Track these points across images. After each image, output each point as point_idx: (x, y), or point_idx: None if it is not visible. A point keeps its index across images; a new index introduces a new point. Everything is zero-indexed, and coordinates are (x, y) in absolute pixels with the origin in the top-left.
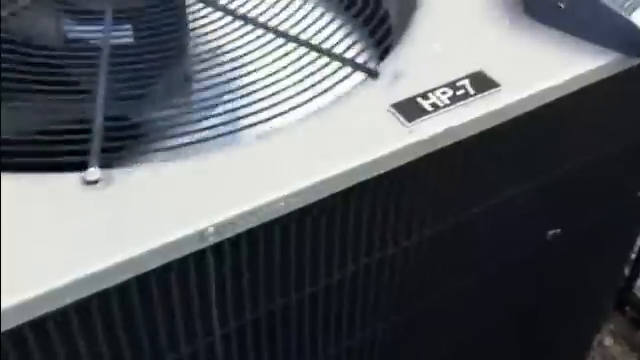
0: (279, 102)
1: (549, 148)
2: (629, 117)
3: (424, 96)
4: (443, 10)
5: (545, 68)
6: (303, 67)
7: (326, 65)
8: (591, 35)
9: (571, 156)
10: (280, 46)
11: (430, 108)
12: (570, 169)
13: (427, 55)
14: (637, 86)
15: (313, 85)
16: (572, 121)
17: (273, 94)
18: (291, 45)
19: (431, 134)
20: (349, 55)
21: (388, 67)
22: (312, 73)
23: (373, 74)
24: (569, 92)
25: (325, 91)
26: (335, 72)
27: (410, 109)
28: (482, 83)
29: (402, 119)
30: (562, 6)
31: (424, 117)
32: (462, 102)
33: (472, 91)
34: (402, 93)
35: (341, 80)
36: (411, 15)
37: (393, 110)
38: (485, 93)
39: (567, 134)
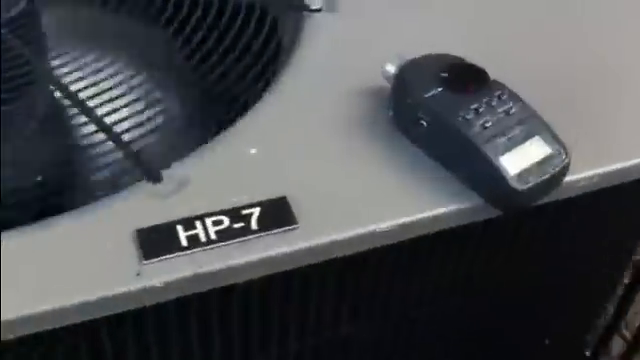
0: None
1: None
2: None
3: (188, 223)
4: (291, 108)
5: (378, 207)
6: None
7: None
8: (455, 168)
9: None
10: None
11: (185, 243)
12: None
13: (234, 163)
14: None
15: None
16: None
17: None
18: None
19: (163, 281)
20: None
21: (177, 172)
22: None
23: (154, 177)
24: (392, 241)
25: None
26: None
27: (159, 240)
28: (276, 216)
29: (138, 253)
30: (424, 124)
31: (165, 256)
32: (232, 241)
33: (255, 226)
34: (163, 214)
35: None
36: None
37: (135, 237)
38: (272, 231)
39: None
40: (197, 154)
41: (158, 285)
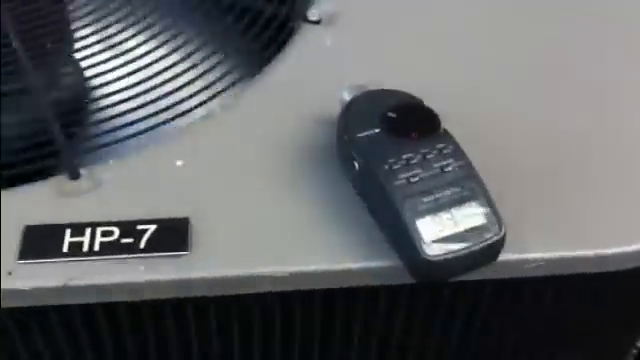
0: None
1: None
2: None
3: (78, 229)
4: (238, 123)
5: (283, 250)
6: None
7: None
8: (379, 222)
9: None
10: None
11: (66, 250)
12: None
13: (155, 172)
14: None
15: None
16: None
17: None
18: None
19: (29, 286)
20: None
21: (99, 172)
22: None
23: (72, 173)
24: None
25: None
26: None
27: (43, 241)
28: (169, 238)
29: (17, 251)
30: (356, 165)
31: (40, 260)
32: (113, 257)
33: (143, 245)
34: (63, 213)
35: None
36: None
37: (22, 234)
38: (158, 254)
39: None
40: (125, 157)
41: (23, 289)
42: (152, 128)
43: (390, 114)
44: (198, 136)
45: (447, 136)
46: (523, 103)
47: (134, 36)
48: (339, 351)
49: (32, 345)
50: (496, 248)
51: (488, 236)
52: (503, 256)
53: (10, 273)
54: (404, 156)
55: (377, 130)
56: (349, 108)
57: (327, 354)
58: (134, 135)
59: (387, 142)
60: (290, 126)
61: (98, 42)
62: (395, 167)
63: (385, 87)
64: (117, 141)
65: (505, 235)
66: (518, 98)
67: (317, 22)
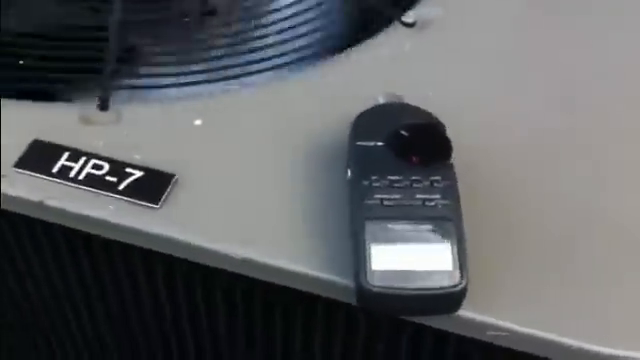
0: None
1: None
2: None
3: (75, 155)
4: (274, 103)
5: (246, 235)
6: None
7: None
8: (350, 233)
9: None
10: None
11: (55, 170)
12: None
13: (173, 125)
14: None
15: None
16: None
17: None
18: None
19: (15, 194)
20: None
21: (124, 108)
22: None
23: (103, 105)
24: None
25: None
26: None
27: (42, 156)
28: (148, 188)
29: (17, 159)
30: (349, 173)
31: (31, 173)
32: (92, 190)
33: (121, 187)
34: (75, 137)
35: None
36: None
37: (29, 145)
38: (130, 199)
39: None
40: (156, 103)
41: (8, 194)
42: (193, 83)
43: (402, 132)
44: (232, 103)
45: (448, 171)
46: (561, 171)
47: None
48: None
49: (25, 252)
50: (452, 299)
51: (445, 284)
52: (463, 312)
53: (5, 176)
54: (390, 177)
55: (380, 144)
56: (364, 115)
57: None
58: (168, 86)
59: (382, 158)
60: (322, 121)
61: None
62: (375, 185)
63: (427, 103)
64: (153, 87)
65: (465, 288)
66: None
67: (411, 25)
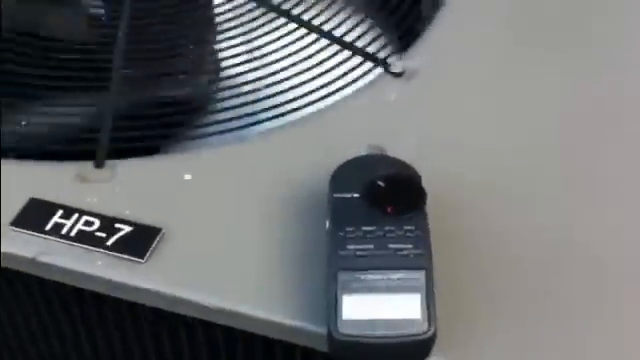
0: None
1: None
2: None
3: (68, 212)
4: (260, 157)
5: (227, 287)
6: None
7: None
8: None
9: None
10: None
11: (48, 228)
12: None
13: (163, 180)
14: None
15: None
16: None
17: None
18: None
19: (8, 251)
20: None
21: (122, 166)
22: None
23: (98, 162)
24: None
25: None
26: None
27: (38, 214)
28: (135, 243)
29: (14, 218)
30: (326, 226)
31: (25, 231)
32: (82, 246)
33: (110, 242)
34: (73, 195)
35: None
36: None
37: (26, 203)
38: (118, 255)
39: None
40: (145, 160)
41: (4, 251)
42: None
43: (379, 182)
44: (219, 158)
45: (421, 219)
46: (542, 215)
47: None
48: None
49: (23, 307)
50: (420, 347)
51: (412, 332)
52: None
53: (2, 234)
54: (364, 228)
55: (356, 195)
56: (342, 167)
57: None
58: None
59: (357, 209)
60: (306, 172)
61: None
62: (349, 236)
63: (410, 154)
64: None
65: (434, 337)
66: (540, 209)
67: (399, 75)
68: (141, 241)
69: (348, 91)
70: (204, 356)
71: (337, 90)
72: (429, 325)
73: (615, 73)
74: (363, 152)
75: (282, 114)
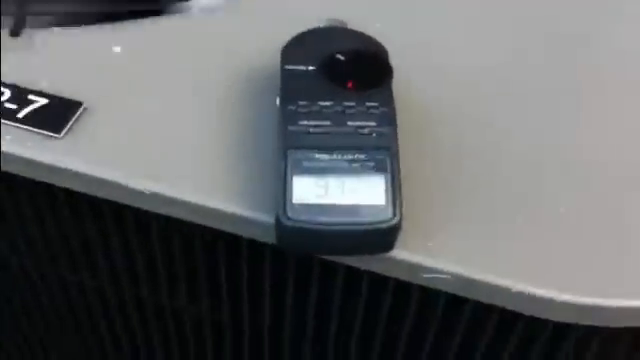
0: None
1: None
2: None
3: None
4: (195, 31)
5: (150, 170)
6: None
7: None
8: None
9: None
10: None
11: None
12: None
13: (88, 50)
14: None
15: None
16: None
17: None
18: None
19: None
20: None
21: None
22: None
23: (14, 31)
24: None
25: None
26: None
27: None
28: (50, 117)
29: None
30: (277, 101)
31: None
32: None
33: (21, 115)
34: None
35: None
36: None
37: None
38: (31, 128)
39: None
40: (69, 29)
41: None
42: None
43: (338, 56)
44: (154, 30)
45: (386, 96)
46: (514, 113)
47: None
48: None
49: None
50: (384, 236)
51: (375, 219)
52: (397, 253)
53: None
54: (320, 102)
55: (312, 68)
56: (299, 38)
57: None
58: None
59: (312, 83)
60: (254, 46)
61: None
62: (302, 111)
63: (374, 31)
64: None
65: (398, 225)
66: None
67: None
68: (57, 115)
69: None
70: (137, 251)
71: None
72: (394, 211)
73: None
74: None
75: None
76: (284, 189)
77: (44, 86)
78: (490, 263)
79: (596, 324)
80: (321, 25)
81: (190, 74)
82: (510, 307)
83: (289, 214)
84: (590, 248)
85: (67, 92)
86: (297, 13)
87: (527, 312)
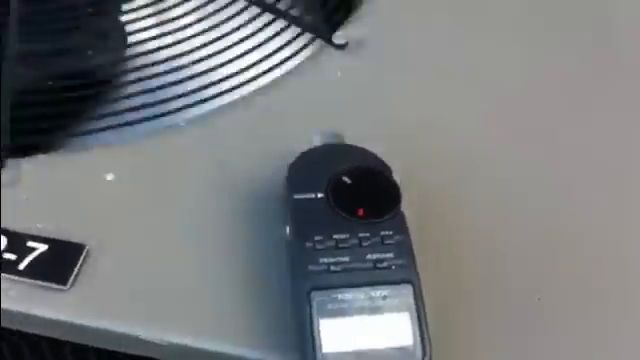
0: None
1: None
2: None
3: None
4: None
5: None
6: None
7: None
8: (292, 308)
9: None
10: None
11: None
12: None
13: (80, 182)
14: None
15: None
16: None
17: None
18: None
19: None
20: None
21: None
22: None
23: None
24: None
25: None
26: None
27: None
28: (54, 265)
29: None
30: (287, 232)
31: None
32: None
33: (23, 266)
34: None
35: None
36: None
37: None
38: (34, 281)
39: None
40: (56, 156)
41: None
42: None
43: (344, 178)
44: (145, 154)
45: (399, 222)
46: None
47: None
48: None
49: None
50: None
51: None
52: None
53: None
54: (336, 236)
55: (320, 195)
56: (299, 161)
57: None
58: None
59: (324, 213)
60: (249, 165)
61: None
62: (319, 247)
63: (368, 142)
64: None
65: None
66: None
67: (342, 46)
68: (61, 262)
69: (289, 66)
70: None
71: (276, 66)
72: (423, 351)
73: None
74: (317, 140)
75: (212, 96)
76: (311, 335)
77: (40, 228)
78: None
79: None
80: (316, 139)
81: (186, 201)
82: None
83: None
84: None
85: (65, 234)
86: (286, 126)
87: None
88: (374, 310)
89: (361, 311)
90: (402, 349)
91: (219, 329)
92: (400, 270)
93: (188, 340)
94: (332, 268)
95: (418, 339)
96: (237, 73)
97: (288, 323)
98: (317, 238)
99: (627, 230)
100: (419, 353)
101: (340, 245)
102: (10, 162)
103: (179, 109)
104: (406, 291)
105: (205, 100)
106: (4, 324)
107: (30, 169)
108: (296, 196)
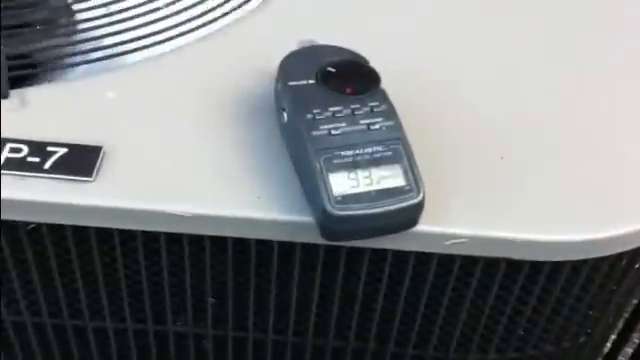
0: None
1: None
2: None
3: None
4: (180, 62)
5: (188, 191)
6: None
7: None
8: (298, 174)
9: None
10: None
11: None
12: None
13: (83, 99)
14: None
15: None
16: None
17: None
18: None
19: None
20: None
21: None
22: None
23: (2, 93)
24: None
25: None
26: None
27: None
28: (76, 163)
29: None
30: (285, 116)
31: None
32: (16, 173)
33: (47, 166)
34: None
35: None
36: None
37: None
38: (61, 176)
39: None
40: (62, 82)
41: None
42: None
43: (329, 68)
44: (140, 72)
45: (382, 95)
46: (479, 80)
47: None
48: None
49: None
50: (412, 214)
51: (404, 199)
52: (422, 227)
53: None
54: (331, 108)
55: (311, 81)
56: (289, 58)
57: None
58: (75, 64)
59: (318, 93)
60: (237, 75)
61: None
62: (319, 117)
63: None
64: (56, 68)
65: (423, 201)
66: (473, 75)
67: None
68: (83, 160)
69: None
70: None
71: None
72: (418, 190)
73: None
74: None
75: (197, 27)
76: (324, 186)
77: (54, 138)
78: (497, 221)
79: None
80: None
81: (185, 109)
82: (516, 256)
83: (334, 206)
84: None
85: (81, 139)
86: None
87: (529, 257)
88: (373, 163)
89: (362, 164)
90: (400, 189)
91: (231, 197)
92: (389, 130)
93: (207, 209)
94: (332, 132)
95: (412, 181)
96: (219, 5)
97: (288, 189)
98: (315, 111)
99: (573, 93)
100: (415, 192)
101: (336, 115)
102: (13, 92)
103: (169, 38)
104: (396, 145)
105: (191, 30)
106: (35, 218)
107: (35, 94)
108: (290, 83)
